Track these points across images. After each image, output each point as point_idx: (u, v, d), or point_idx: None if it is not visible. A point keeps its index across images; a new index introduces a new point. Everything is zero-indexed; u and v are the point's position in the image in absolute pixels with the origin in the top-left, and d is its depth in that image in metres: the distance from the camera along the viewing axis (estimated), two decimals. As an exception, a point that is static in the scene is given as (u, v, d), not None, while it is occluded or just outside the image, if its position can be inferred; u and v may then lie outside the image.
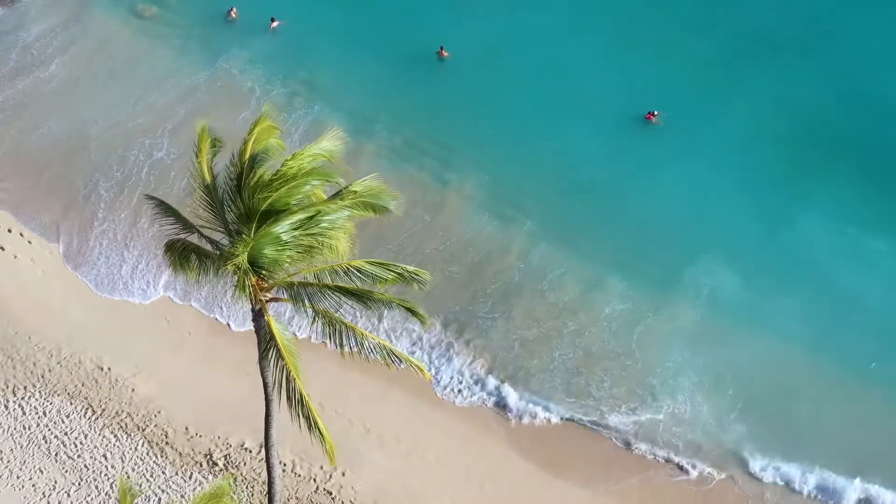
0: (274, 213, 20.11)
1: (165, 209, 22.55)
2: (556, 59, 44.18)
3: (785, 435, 31.55)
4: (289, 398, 20.71)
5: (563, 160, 40.18)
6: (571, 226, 37.99)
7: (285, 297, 21.72)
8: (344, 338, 21.33)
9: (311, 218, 20.27)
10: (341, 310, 21.48)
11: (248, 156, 20.94)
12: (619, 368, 33.50)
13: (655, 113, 41.04)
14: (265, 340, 21.35)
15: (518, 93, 42.98)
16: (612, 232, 37.69)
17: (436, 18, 46.05)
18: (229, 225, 21.20)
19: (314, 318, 21.42)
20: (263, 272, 20.41)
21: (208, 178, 21.50)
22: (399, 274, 21.44)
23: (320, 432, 20.90)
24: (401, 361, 21.57)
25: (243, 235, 20.22)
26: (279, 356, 20.73)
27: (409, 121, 41.79)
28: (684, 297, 35.32)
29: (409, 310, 21.41)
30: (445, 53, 43.86)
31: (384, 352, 21.51)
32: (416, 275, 21.62)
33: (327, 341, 21.50)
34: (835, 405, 32.40)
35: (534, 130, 41.39)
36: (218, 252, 21.11)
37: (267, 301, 21.56)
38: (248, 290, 20.08)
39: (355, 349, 21.46)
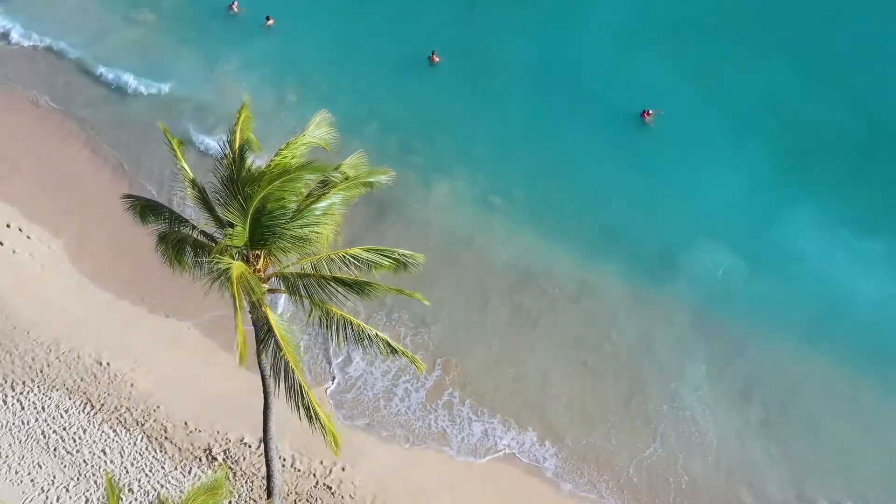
0: (268, 206, 19.98)
1: (149, 205, 22.30)
2: (549, 60, 44.14)
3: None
4: (288, 390, 20.53)
5: (558, 160, 40.01)
6: (566, 222, 37.83)
7: (282, 288, 21.56)
8: (341, 330, 21.21)
9: (306, 207, 20.21)
10: (339, 301, 21.36)
11: (237, 146, 20.87)
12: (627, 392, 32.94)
13: (650, 111, 40.86)
14: (262, 332, 21.18)
15: (512, 95, 42.86)
16: (606, 230, 37.48)
17: (426, 23, 46.04)
18: (221, 218, 21.08)
19: (311, 310, 21.27)
20: (258, 263, 20.27)
21: (192, 175, 21.68)
22: (395, 259, 21.50)
23: (321, 423, 20.70)
24: (396, 353, 21.42)
25: (237, 227, 20.11)
26: (277, 347, 20.56)
27: (401, 121, 41.66)
28: (678, 291, 35.34)
29: (406, 294, 21.34)
30: (437, 58, 43.91)
31: (381, 344, 21.38)
32: (411, 258, 21.72)
33: (325, 333, 21.35)
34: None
35: (528, 131, 41.34)
36: (213, 244, 20.95)
37: (264, 293, 21.39)
38: (245, 282, 19.89)
39: (352, 341, 21.35)
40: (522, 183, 39.17)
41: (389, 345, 21.29)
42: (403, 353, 21.43)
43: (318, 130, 21.77)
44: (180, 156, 21.81)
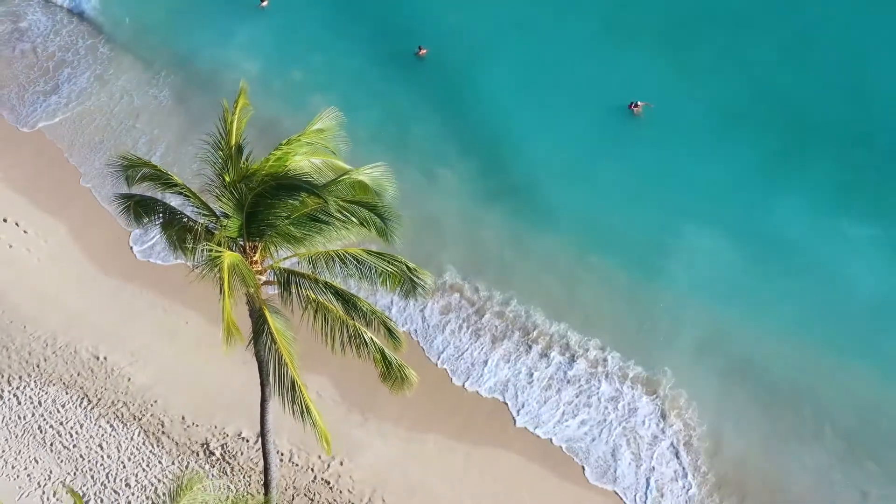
0: (263, 203, 19.69)
1: (142, 202, 21.86)
2: (536, 54, 43.84)
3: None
4: (281, 385, 20.16)
5: (547, 152, 39.68)
6: (554, 212, 37.62)
7: (276, 280, 21.24)
8: (337, 331, 20.67)
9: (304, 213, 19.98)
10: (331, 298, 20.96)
11: (234, 139, 20.50)
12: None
13: (639, 104, 40.56)
14: (258, 324, 20.90)
15: (500, 88, 42.49)
16: (596, 220, 37.23)
17: (414, 17, 45.82)
18: (216, 212, 20.83)
19: (306, 307, 20.92)
20: (255, 255, 20.06)
21: (177, 180, 21.40)
22: (399, 270, 20.41)
23: (313, 420, 20.32)
24: (391, 365, 20.92)
25: (232, 219, 19.87)
26: (272, 341, 20.26)
27: (391, 116, 41.50)
28: (668, 281, 35.24)
29: (387, 328, 20.70)
30: (423, 51, 43.82)
31: (377, 350, 20.85)
32: (416, 272, 20.64)
33: (318, 334, 20.86)
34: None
35: (516, 123, 40.97)
36: (210, 232, 20.70)
37: (260, 285, 21.15)
38: (239, 272, 19.67)
39: (348, 344, 20.77)
40: (511, 175, 38.99)
41: (384, 354, 20.75)
42: (397, 360, 20.98)
43: (323, 133, 20.95)
44: (159, 167, 21.54)
